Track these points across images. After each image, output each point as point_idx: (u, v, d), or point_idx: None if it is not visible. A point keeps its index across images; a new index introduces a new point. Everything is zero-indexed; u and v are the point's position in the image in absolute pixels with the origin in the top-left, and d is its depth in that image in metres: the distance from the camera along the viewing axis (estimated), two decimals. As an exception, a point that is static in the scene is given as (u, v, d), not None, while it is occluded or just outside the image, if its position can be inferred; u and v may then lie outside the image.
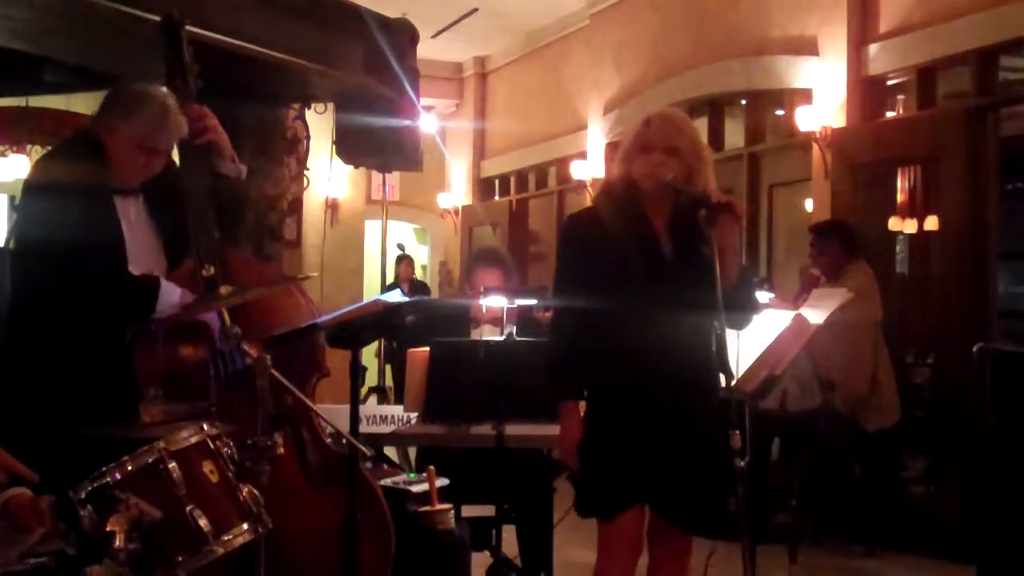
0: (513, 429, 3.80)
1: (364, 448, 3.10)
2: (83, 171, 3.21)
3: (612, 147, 9.78)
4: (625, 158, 3.24)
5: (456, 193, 12.99)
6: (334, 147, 6.36)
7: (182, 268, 3.31)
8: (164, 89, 3.31)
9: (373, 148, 6.03)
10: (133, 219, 3.30)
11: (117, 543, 2.31)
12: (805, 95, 7.40)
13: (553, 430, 3.40)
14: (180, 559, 2.40)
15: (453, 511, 3.58)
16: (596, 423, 3.20)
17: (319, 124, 6.41)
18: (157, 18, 3.37)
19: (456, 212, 12.84)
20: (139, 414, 2.89)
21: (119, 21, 3.59)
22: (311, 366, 3.38)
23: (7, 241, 3.23)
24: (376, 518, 3.27)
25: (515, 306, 4.20)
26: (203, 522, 2.43)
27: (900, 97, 7.36)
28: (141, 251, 3.28)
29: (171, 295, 3.18)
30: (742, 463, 3.60)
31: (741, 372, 3.76)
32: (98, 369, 3.10)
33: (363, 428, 3.64)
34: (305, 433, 3.30)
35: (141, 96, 3.28)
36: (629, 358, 3.17)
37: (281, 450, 2.80)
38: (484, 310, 4.43)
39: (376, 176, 10.82)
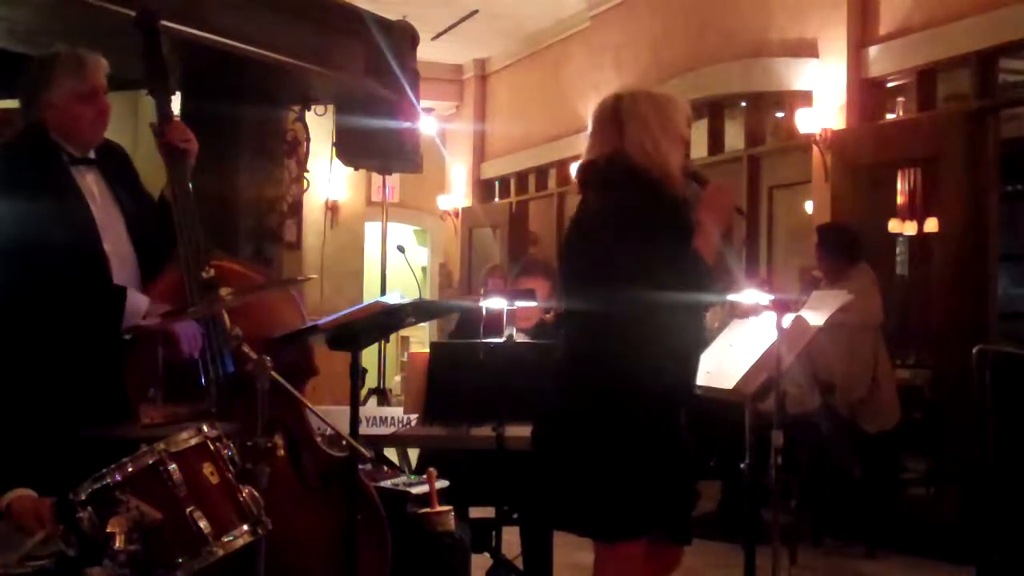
0: (513, 431, 3.80)
1: (364, 450, 3.10)
2: (38, 163, 3.17)
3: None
4: (669, 147, 3.09)
5: (456, 195, 12.99)
6: (334, 149, 6.37)
7: (165, 278, 3.27)
8: (57, 46, 3.28)
9: (373, 150, 6.04)
10: (95, 192, 3.26)
11: (117, 544, 2.30)
12: (805, 97, 7.40)
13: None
14: (180, 560, 2.40)
15: (453, 513, 3.58)
16: (649, 435, 3.00)
17: (319, 126, 6.42)
18: (131, 13, 3.34)
19: (456, 214, 12.85)
20: (139, 415, 2.89)
21: (115, 21, 3.58)
22: (303, 368, 3.38)
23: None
24: (372, 520, 3.27)
25: (514, 307, 4.21)
26: (203, 523, 2.43)
27: (900, 99, 7.37)
28: (111, 231, 3.24)
29: (138, 307, 3.13)
30: (743, 465, 3.62)
31: (741, 374, 3.76)
32: (86, 368, 3.07)
33: (363, 430, 3.64)
34: (298, 436, 3.30)
35: (45, 60, 3.26)
36: (686, 365, 3.10)
37: (281, 452, 2.81)
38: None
39: (376, 178, 10.81)
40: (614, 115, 3.13)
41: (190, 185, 3.29)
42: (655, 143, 3.06)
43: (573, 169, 11.02)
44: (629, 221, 3.00)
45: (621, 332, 2.98)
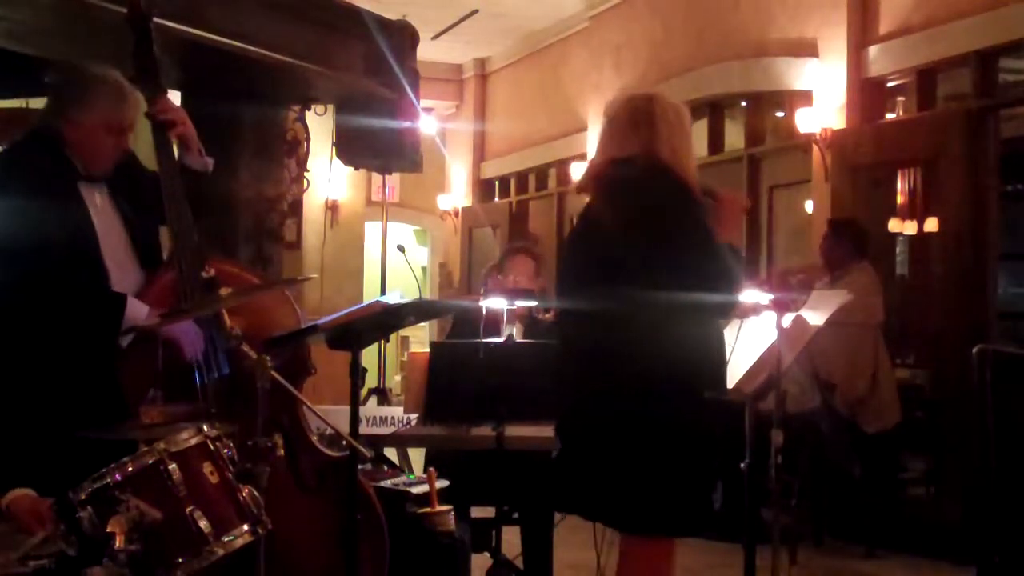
0: (513, 430, 3.80)
1: (364, 449, 3.10)
2: (45, 170, 3.15)
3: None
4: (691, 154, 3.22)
5: (456, 195, 12.99)
6: (334, 149, 6.36)
7: (162, 279, 3.26)
8: (107, 67, 3.25)
9: (373, 150, 6.03)
10: (100, 207, 3.24)
11: (117, 544, 2.31)
12: (805, 97, 7.40)
13: (553, 431, 3.39)
14: (180, 560, 2.40)
15: (453, 512, 3.58)
16: (702, 433, 3.05)
17: (319, 126, 6.41)
18: (123, 10, 3.31)
19: (456, 214, 12.85)
20: (134, 416, 2.89)
21: (110, 19, 3.57)
22: (299, 367, 3.38)
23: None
24: (369, 521, 3.27)
25: (515, 307, 4.21)
26: (203, 523, 2.43)
27: (900, 99, 7.37)
28: (112, 241, 3.23)
29: (138, 314, 3.11)
30: (743, 464, 3.62)
31: (741, 374, 3.76)
32: (83, 369, 3.06)
33: (363, 429, 3.64)
34: (294, 437, 3.30)
35: (92, 80, 3.22)
36: (723, 363, 3.17)
37: (281, 452, 2.80)
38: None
39: (376, 178, 10.82)
40: (648, 116, 3.16)
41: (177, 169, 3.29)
42: (684, 148, 3.17)
43: (573, 169, 10.97)
44: (679, 220, 3.05)
45: (681, 330, 3.02)
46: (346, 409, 3.19)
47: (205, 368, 3.16)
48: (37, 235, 3.06)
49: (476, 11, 10.57)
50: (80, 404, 2.98)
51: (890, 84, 7.16)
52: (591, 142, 10.12)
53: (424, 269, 13.86)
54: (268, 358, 2.74)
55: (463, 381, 3.88)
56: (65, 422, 2.81)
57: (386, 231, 7.96)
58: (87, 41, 4.20)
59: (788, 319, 3.73)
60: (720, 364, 3.16)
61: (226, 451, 2.60)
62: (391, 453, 5.37)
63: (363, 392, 6.97)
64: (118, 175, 3.32)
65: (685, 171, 3.12)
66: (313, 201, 9.58)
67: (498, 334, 4.08)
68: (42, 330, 3.08)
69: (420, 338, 12.77)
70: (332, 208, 10.13)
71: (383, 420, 4.40)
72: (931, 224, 6.88)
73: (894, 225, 7.30)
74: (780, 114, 8.27)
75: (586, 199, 3.31)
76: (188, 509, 2.43)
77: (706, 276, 2.99)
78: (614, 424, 3.03)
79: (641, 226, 3.05)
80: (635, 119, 3.17)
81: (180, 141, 3.35)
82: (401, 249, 6.07)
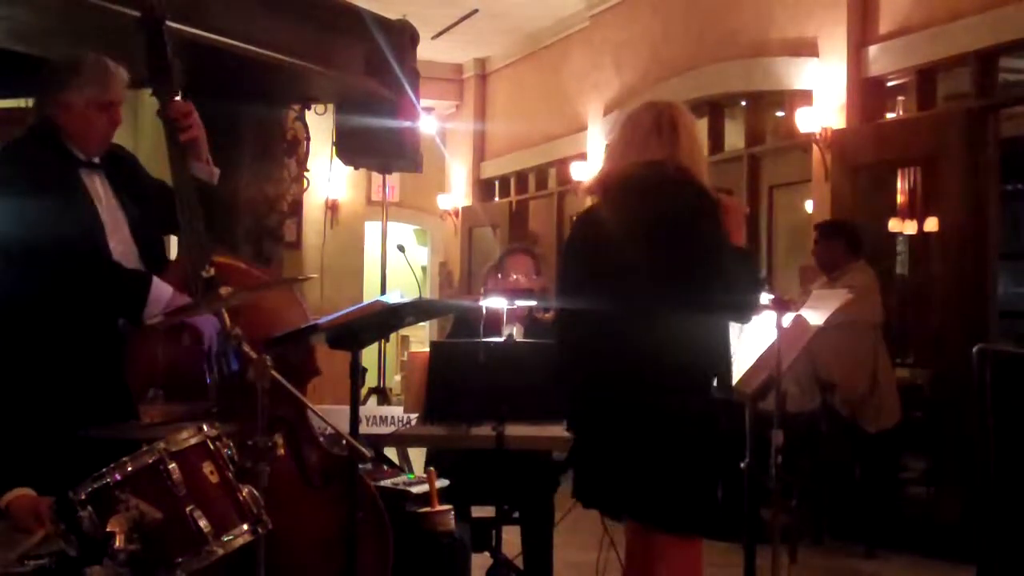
0: (513, 430, 3.80)
1: (364, 449, 3.10)
2: (47, 162, 3.16)
3: (612, 148, 9.78)
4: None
5: (456, 194, 13.00)
6: (334, 148, 6.37)
7: (170, 274, 3.25)
8: (85, 49, 3.28)
9: (373, 149, 6.04)
10: (103, 196, 3.25)
11: (117, 544, 2.31)
12: (805, 96, 7.40)
13: (553, 431, 3.38)
14: (180, 560, 2.40)
15: (453, 512, 3.58)
16: (725, 431, 3.13)
17: (319, 125, 6.42)
18: (136, 13, 3.33)
19: (456, 213, 12.85)
20: (138, 415, 2.89)
21: (117, 20, 3.58)
22: (305, 368, 3.38)
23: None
24: (374, 520, 3.27)
25: (515, 307, 4.21)
26: (203, 523, 2.43)
27: (900, 98, 7.37)
28: (115, 227, 3.23)
29: (162, 293, 3.12)
30: (743, 464, 3.63)
31: (741, 374, 3.76)
32: (88, 368, 3.06)
33: (363, 429, 3.64)
34: (301, 435, 3.30)
35: (71, 62, 3.25)
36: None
37: (281, 451, 2.80)
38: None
39: (376, 177, 10.82)
40: (672, 123, 3.20)
41: (191, 171, 3.30)
42: (700, 157, 3.25)
43: (573, 169, 10.93)
44: (704, 225, 3.07)
45: (709, 332, 3.08)
46: (346, 409, 3.20)
47: (216, 365, 3.17)
48: (44, 228, 3.06)
49: (476, 11, 10.57)
50: (85, 403, 2.98)
51: (890, 84, 7.16)
52: (591, 141, 10.12)
53: (424, 269, 13.86)
54: (268, 358, 2.74)
55: (463, 381, 3.87)
56: (70, 421, 2.81)
57: (386, 231, 7.97)
58: (93, 41, 4.20)
59: (788, 319, 3.73)
60: (727, 364, 3.19)
61: (226, 450, 2.60)
62: (391, 453, 5.37)
63: (363, 392, 6.97)
64: (117, 169, 3.32)
65: (702, 177, 3.17)
66: (313, 201, 9.57)
67: (498, 334, 4.08)
68: (47, 326, 3.08)
69: (420, 338, 12.77)
70: (332, 208, 10.12)
71: (383, 420, 4.40)
72: (931, 224, 6.88)
73: (894, 225, 7.30)
74: (780, 114, 8.28)
75: (588, 201, 3.32)
76: (188, 509, 2.43)
77: (729, 279, 3.03)
78: (628, 422, 3.04)
79: (668, 229, 3.06)
80: (659, 124, 3.19)
81: (189, 145, 3.35)
82: (401, 249, 6.08)
